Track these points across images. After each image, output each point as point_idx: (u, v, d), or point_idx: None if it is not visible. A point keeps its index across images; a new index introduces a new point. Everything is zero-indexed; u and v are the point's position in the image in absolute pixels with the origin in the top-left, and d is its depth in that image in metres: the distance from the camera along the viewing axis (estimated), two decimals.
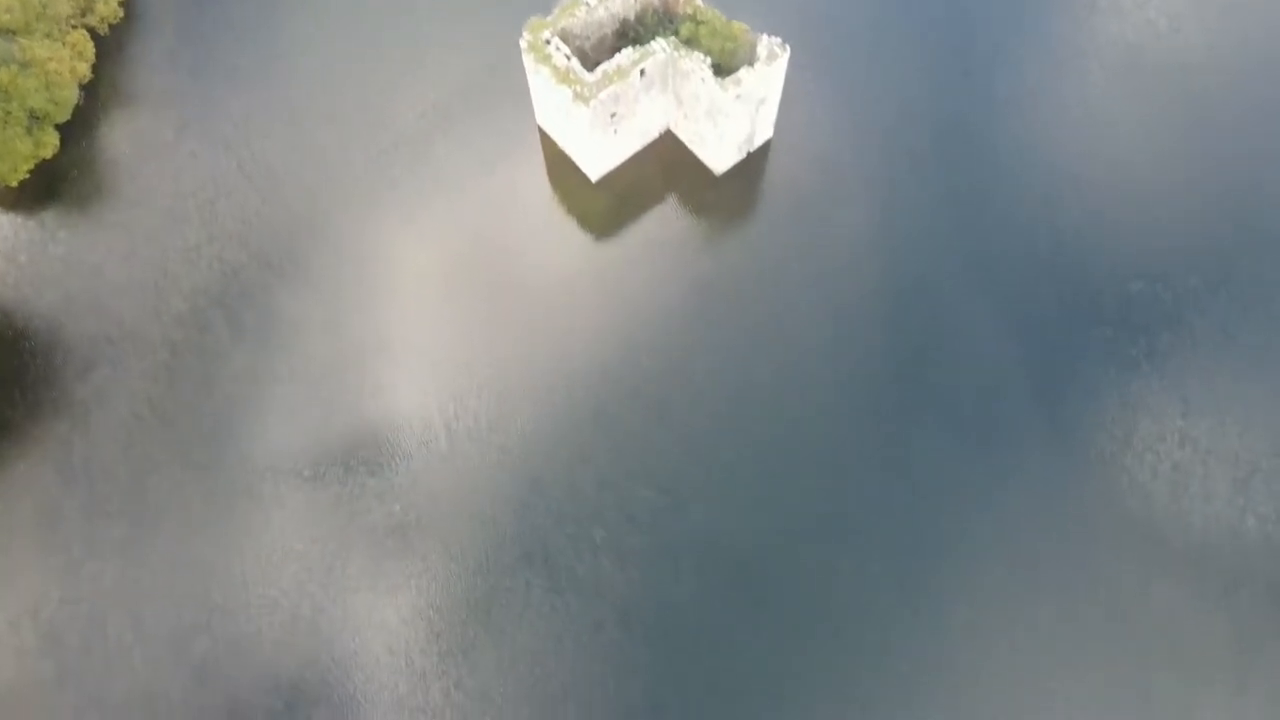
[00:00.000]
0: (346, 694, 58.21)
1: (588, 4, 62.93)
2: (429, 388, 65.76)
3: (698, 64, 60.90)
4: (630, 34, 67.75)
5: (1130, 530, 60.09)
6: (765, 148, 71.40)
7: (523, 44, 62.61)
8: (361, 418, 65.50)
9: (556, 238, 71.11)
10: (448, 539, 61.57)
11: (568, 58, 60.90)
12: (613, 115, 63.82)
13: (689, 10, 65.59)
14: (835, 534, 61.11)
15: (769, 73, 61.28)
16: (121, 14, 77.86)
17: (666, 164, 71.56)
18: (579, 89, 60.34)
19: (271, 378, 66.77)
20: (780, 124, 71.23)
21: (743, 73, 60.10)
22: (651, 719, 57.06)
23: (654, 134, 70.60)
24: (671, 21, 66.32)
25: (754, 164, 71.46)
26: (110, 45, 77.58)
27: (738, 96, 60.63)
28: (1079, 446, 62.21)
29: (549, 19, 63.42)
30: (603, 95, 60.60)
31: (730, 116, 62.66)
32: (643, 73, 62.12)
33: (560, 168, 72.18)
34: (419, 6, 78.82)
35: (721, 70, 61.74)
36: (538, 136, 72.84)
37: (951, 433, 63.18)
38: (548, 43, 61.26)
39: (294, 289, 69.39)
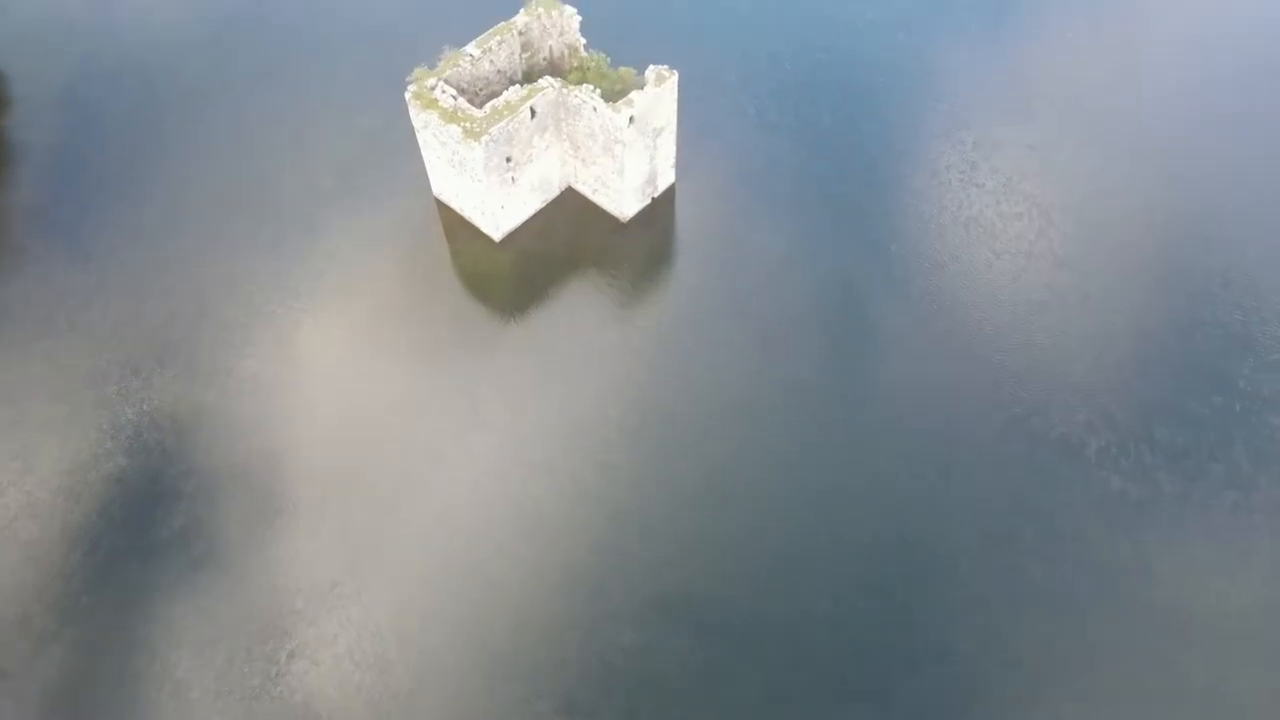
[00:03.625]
0: None
1: (471, 55, 59.88)
2: (333, 474, 56.08)
3: (586, 94, 57.36)
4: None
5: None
6: (670, 192, 67.28)
7: (408, 94, 58.64)
8: (256, 514, 55.02)
9: (463, 302, 63.90)
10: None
11: (454, 98, 56.90)
12: (508, 160, 59.26)
13: (575, 63, 63.40)
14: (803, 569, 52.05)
15: (661, 94, 58.05)
16: None
17: (571, 217, 66.43)
18: (468, 125, 55.84)
19: (152, 480, 56.30)
20: (681, 168, 67.53)
21: (634, 95, 56.74)
22: None
23: (555, 190, 66.05)
24: (559, 76, 63.85)
25: (660, 208, 66.84)
26: None
27: (631, 119, 56.99)
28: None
29: (433, 70, 60.04)
30: (494, 131, 56.06)
31: (629, 147, 58.64)
32: (533, 112, 58.40)
33: (461, 233, 66.11)
34: (298, 107, 73.68)
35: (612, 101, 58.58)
36: (435, 208, 67.32)
37: (899, 431, 56.17)
38: (433, 88, 57.39)
39: (171, 385, 59.68)
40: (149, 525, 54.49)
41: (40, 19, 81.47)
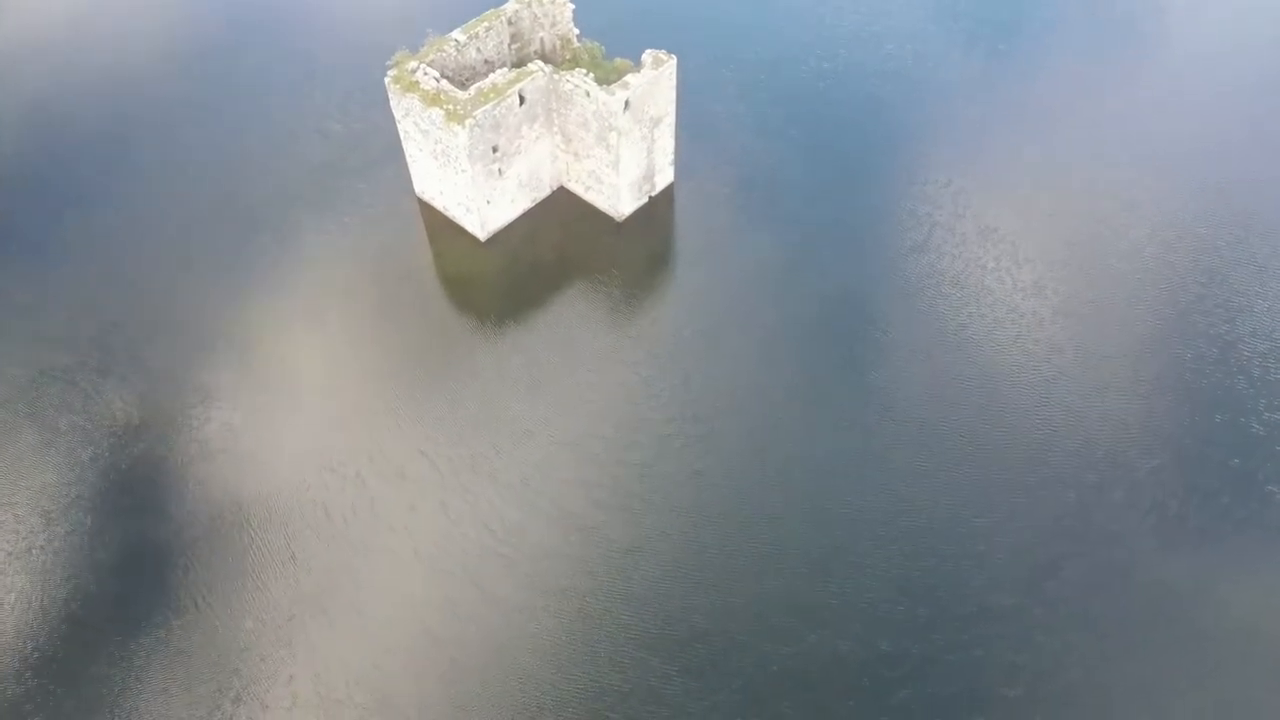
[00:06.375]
0: None
1: (456, 41, 53.23)
2: (290, 495, 47.53)
3: (579, 78, 50.40)
4: None
5: None
6: (668, 193, 59.78)
7: (388, 79, 51.76)
8: (203, 538, 46.54)
9: (443, 308, 55.75)
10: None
11: (436, 80, 50.02)
12: (494, 150, 52.20)
13: (569, 55, 56.91)
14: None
15: (658, 78, 51.06)
16: None
17: (562, 217, 58.80)
18: (451, 108, 48.77)
19: (85, 499, 47.79)
20: (680, 171, 60.13)
21: (629, 77, 49.91)
22: None
23: (545, 189, 58.65)
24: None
25: (658, 208, 59.25)
26: None
27: (627, 104, 50.09)
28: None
29: (416, 55, 53.28)
30: (479, 115, 48.91)
31: (625, 136, 51.51)
32: (522, 99, 51.53)
33: (444, 234, 58.34)
34: (276, 116, 66.12)
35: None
36: (417, 208, 59.85)
37: (921, 449, 48.00)
38: (414, 71, 50.57)
39: (112, 395, 51.07)
40: (79, 547, 45.96)
41: (18, 34, 75.08)
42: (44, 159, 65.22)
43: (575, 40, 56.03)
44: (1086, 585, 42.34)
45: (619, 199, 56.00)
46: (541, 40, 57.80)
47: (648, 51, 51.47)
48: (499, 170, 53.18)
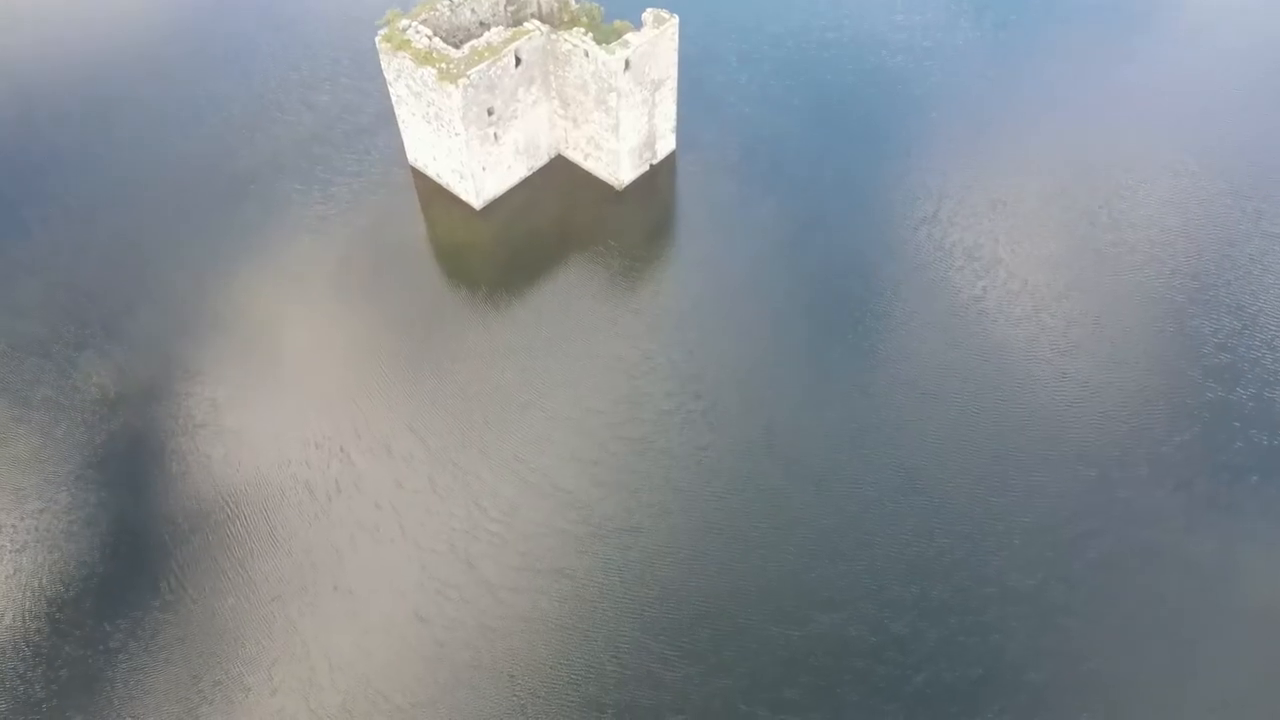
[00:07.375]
0: None
1: (449, 0, 50.46)
2: (272, 471, 44.80)
3: (577, 37, 47.57)
4: None
5: None
6: (670, 161, 56.95)
7: (378, 38, 48.80)
8: (201, 500, 44.06)
9: (436, 279, 53.07)
10: None
11: (429, 38, 47.14)
12: (490, 112, 49.42)
13: (566, 18, 54.08)
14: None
15: (659, 38, 48.23)
16: None
17: (560, 186, 55.96)
18: (445, 66, 45.94)
19: (61, 476, 45.18)
20: (683, 141, 57.32)
21: (629, 36, 47.14)
22: None
23: (543, 157, 55.82)
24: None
25: (660, 177, 56.44)
26: None
27: (627, 63, 47.25)
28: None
29: (407, 14, 50.40)
30: (473, 74, 46.11)
31: (625, 98, 48.72)
32: (518, 60, 48.72)
33: (438, 202, 55.53)
34: (266, 86, 63.02)
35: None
36: (410, 177, 57.08)
37: (932, 424, 45.30)
38: (405, 30, 47.70)
39: (90, 367, 48.37)
40: (52, 525, 43.21)
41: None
42: (20, 128, 62.34)
43: (573, 2, 53.20)
44: (1111, 565, 39.66)
45: (619, 166, 53.17)
46: (539, 5, 54.96)
47: (649, 10, 48.57)
48: (494, 135, 50.35)
